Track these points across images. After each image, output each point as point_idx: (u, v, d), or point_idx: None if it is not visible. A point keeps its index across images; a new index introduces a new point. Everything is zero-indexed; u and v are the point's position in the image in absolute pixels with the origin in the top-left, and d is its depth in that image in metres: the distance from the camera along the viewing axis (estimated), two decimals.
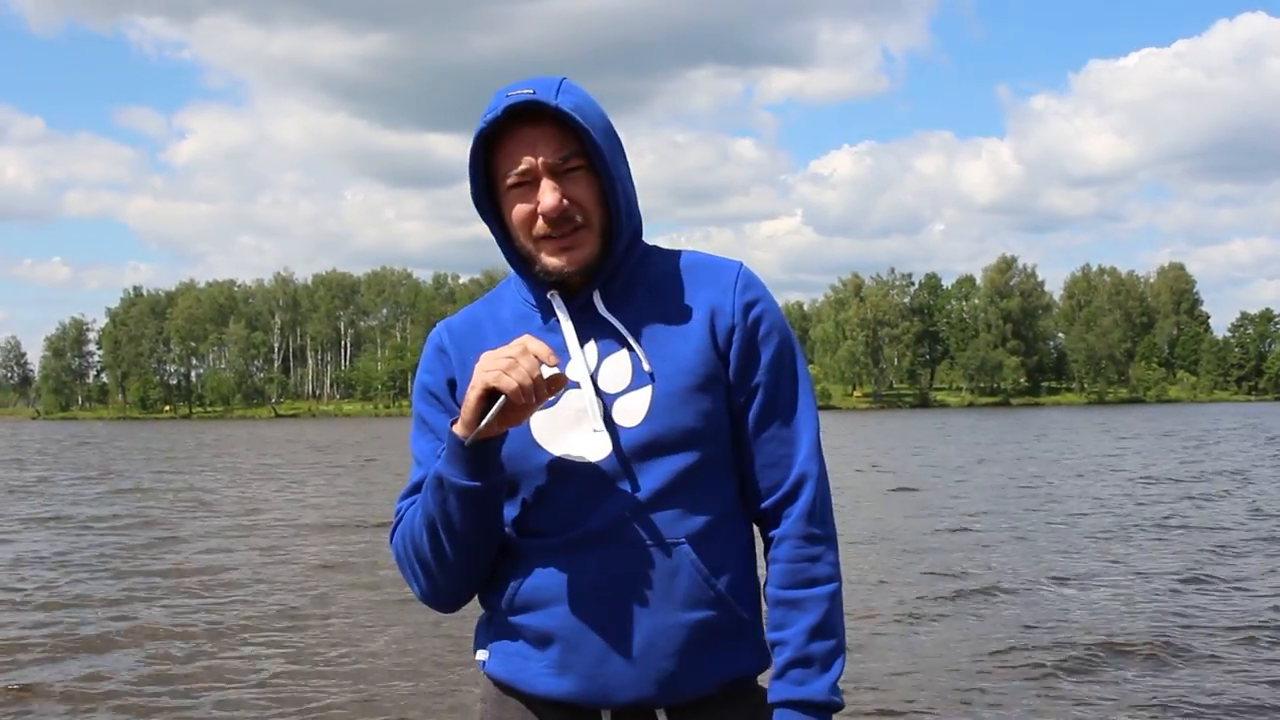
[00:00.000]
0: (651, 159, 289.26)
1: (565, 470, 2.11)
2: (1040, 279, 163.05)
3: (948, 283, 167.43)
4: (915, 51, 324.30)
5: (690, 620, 2.07)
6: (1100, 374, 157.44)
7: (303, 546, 15.58)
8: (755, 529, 2.26)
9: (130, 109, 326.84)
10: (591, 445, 2.10)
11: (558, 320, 2.18)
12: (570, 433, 2.12)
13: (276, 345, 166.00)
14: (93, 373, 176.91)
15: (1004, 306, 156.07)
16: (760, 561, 2.23)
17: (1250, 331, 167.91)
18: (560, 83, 2.10)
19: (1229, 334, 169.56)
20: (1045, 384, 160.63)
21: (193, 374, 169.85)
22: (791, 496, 2.17)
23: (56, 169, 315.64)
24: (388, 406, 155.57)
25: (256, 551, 15.20)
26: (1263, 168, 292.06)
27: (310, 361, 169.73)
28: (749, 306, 2.18)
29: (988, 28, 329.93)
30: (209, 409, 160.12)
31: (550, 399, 2.09)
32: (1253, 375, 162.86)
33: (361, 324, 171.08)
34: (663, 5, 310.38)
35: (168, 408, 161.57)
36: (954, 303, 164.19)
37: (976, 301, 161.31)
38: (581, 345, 2.15)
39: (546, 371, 1.99)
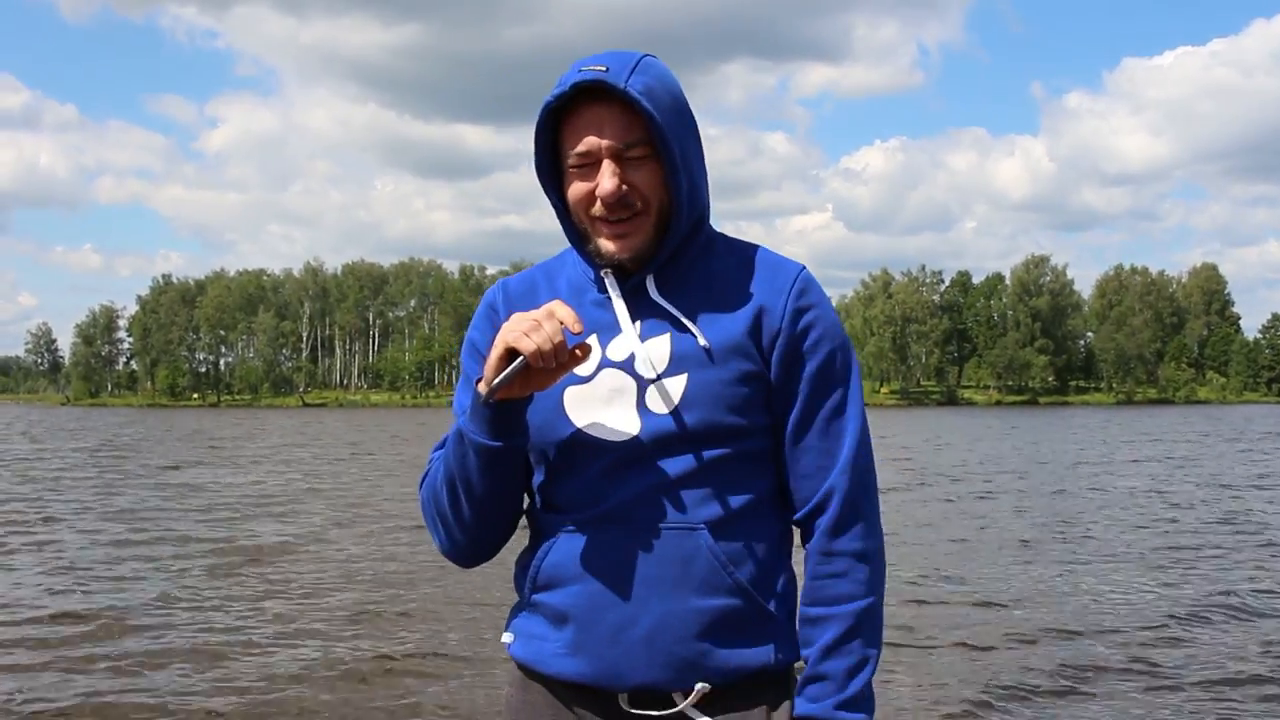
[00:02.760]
0: None
1: (592, 446, 2.10)
2: (1070, 278, 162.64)
3: (979, 280, 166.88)
4: (951, 47, 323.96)
5: (705, 606, 2.05)
6: (1129, 374, 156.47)
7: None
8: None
9: (162, 97, 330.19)
10: (621, 424, 2.09)
11: (609, 297, 2.17)
12: (602, 410, 2.11)
13: (305, 334, 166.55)
14: (122, 360, 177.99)
15: (1033, 305, 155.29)
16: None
17: None
18: (638, 62, 2.06)
19: (1260, 335, 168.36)
20: (1073, 383, 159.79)
21: (221, 362, 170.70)
22: (819, 509, 2.14)
23: (88, 156, 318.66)
24: (415, 397, 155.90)
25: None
26: None
27: (338, 351, 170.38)
28: (800, 313, 2.14)
29: (1025, 23, 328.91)
30: (237, 397, 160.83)
31: (583, 373, 2.12)
32: None
33: (390, 314, 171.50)
34: None
35: (195, 396, 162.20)
36: (982, 301, 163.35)
37: (1005, 300, 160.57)
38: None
39: (572, 338, 1.99)
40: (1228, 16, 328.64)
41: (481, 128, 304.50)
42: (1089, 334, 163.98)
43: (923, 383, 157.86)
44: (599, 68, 2.03)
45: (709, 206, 2.24)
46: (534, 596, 2.17)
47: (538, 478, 2.20)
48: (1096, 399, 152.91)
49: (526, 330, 1.94)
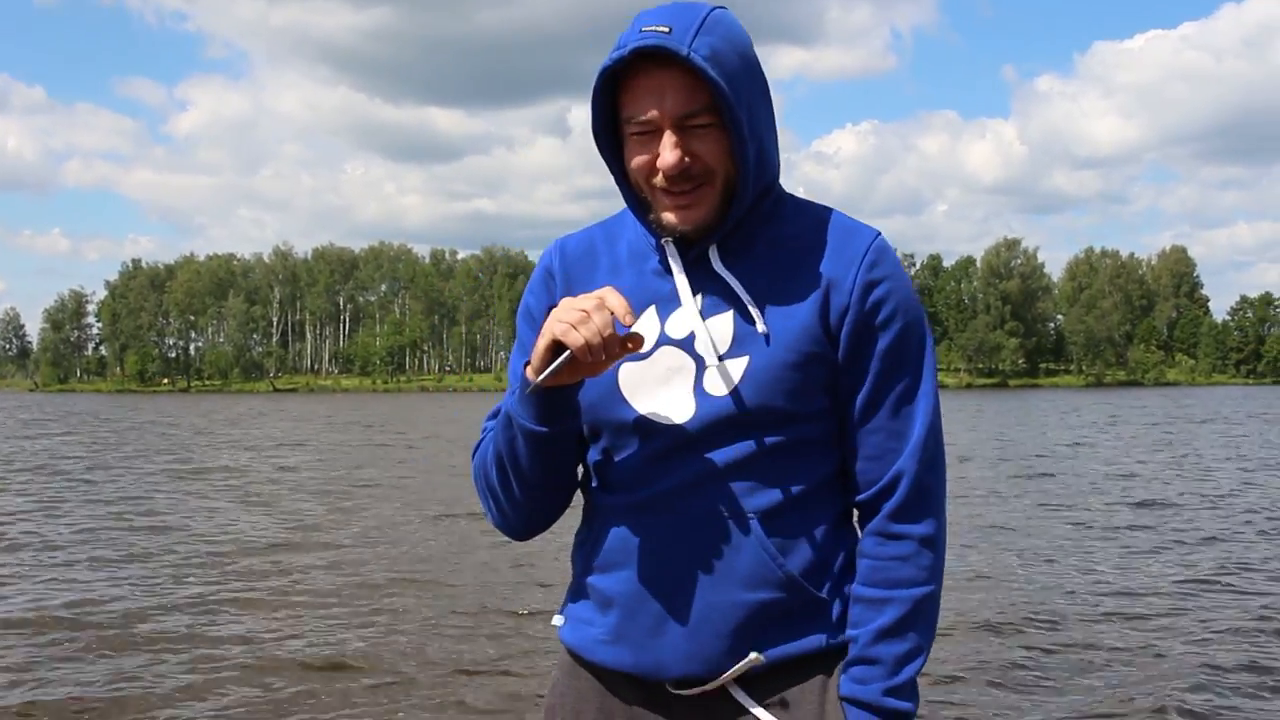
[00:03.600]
0: None
1: (645, 428, 2.02)
2: (1041, 261, 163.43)
3: (950, 263, 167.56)
4: (923, 30, 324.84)
5: (750, 600, 1.98)
6: (1099, 356, 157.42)
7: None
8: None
9: (131, 80, 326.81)
10: (676, 406, 2.00)
11: (670, 269, 2.06)
12: (658, 390, 2.02)
13: (275, 319, 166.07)
14: (91, 345, 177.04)
15: (1002, 288, 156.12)
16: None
17: (1250, 315, 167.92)
18: (704, 19, 1.91)
19: (1228, 317, 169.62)
20: (1043, 365, 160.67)
21: (191, 347, 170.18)
22: (886, 492, 2.03)
23: (56, 139, 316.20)
24: (386, 381, 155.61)
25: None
26: (1269, 151, 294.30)
27: (309, 336, 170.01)
28: (871, 286, 2.01)
29: (996, 7, 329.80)
30: (207, 383, 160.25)
31: (635, 354, 2.01)
32: (1252, 359, 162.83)
33: (360, 299, 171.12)
34: None
35: (165, 381, 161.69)
36: (953, 284, 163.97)
37: (975, 283, 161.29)
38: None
39: (623, 328, 1.91)
40: (1197, 0, 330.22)
41: (452, 111, 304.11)
42: (1059, 316, 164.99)
43: None
44: (662, 28, 1.88)
45: (779, 168, 2.10)
46: (586, 579, 2.12)
47: (592, 454, 2.13)
48: (1066, 381, 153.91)
49: (575, 322, 1.85)
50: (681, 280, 2.04)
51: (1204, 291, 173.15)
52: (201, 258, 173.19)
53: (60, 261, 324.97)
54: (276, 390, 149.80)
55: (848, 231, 2.06)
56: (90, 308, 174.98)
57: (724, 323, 2.01)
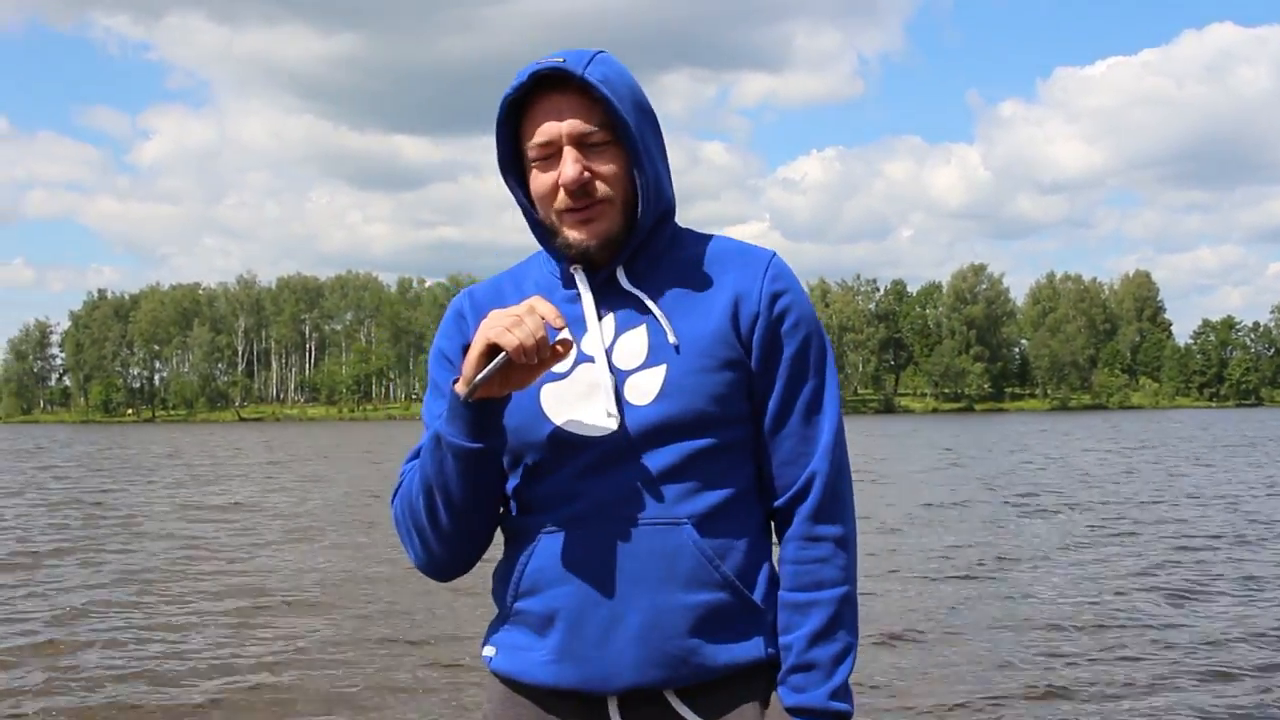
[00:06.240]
0: None
1: (570, 444, 2.07)
2: (1005, 286, 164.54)
3: (916, 289, 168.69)
4: (890, 56, 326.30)
5: (693, 602, 2.02)
6: (1063, 380, 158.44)
7: None
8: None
9: (94, 109, 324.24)
10: (601, 420, 2.06)
11: (579, 292, 2.15)
12: (579, 406, 2.08)
13: (240, 348, 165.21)
14: (55, 376, 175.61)
15: (968, 313, 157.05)
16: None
17: (1212, 339, 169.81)
18: (594, 55, 2.08)
19: (1191, 341, 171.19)
20: (1009, 390, 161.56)
21: (156, 377, 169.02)
22: (802, 495, 2.12)
23: (19, 168, 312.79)
24: (352, 410, 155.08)
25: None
26: (1230, 175, 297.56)
27: (274, 365, 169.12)
28: (776, 296, 2.14)
29: (961, 33, 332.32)
30: (172, 412, 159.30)
31: (560, 369, 2.10)
32: (1214, 382, 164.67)
33: (326, 327, 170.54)
34: (637, 8, 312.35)
35: (130, 411, 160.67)
36: (918, 309, 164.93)
37: (940, 308, 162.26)
38: (600, 319, 2.13)
39: (553, 334, 1.97)
40: (1158, 27, 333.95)
41: (418, 139, 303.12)
42: (1023, 341, 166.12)
43: (859, 391, 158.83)
44: (556, 59, 2.04)
45: (674, 202, 2.24)
46: (516, 605, 2.12)
47: (513, 482, 2.16)
48: (1032, 405, 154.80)
49: (509, 325, 1.91)
50: (588, 298, 2.13)
51: (1166, 315, 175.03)
52: (166, 287, 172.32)
53: (23, 292, 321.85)
54: (242, 419, 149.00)
55: (746, 251, 2.20)
56: (54, 338, 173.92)
57: (638, 337, 2.10)
